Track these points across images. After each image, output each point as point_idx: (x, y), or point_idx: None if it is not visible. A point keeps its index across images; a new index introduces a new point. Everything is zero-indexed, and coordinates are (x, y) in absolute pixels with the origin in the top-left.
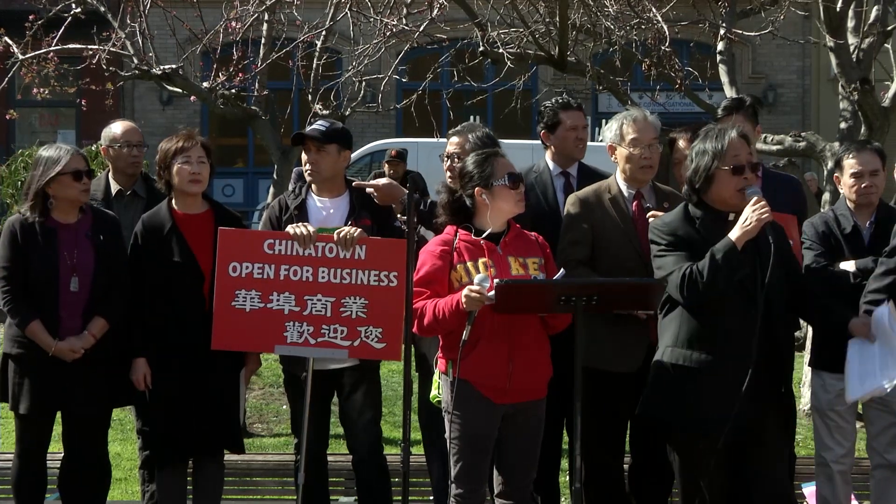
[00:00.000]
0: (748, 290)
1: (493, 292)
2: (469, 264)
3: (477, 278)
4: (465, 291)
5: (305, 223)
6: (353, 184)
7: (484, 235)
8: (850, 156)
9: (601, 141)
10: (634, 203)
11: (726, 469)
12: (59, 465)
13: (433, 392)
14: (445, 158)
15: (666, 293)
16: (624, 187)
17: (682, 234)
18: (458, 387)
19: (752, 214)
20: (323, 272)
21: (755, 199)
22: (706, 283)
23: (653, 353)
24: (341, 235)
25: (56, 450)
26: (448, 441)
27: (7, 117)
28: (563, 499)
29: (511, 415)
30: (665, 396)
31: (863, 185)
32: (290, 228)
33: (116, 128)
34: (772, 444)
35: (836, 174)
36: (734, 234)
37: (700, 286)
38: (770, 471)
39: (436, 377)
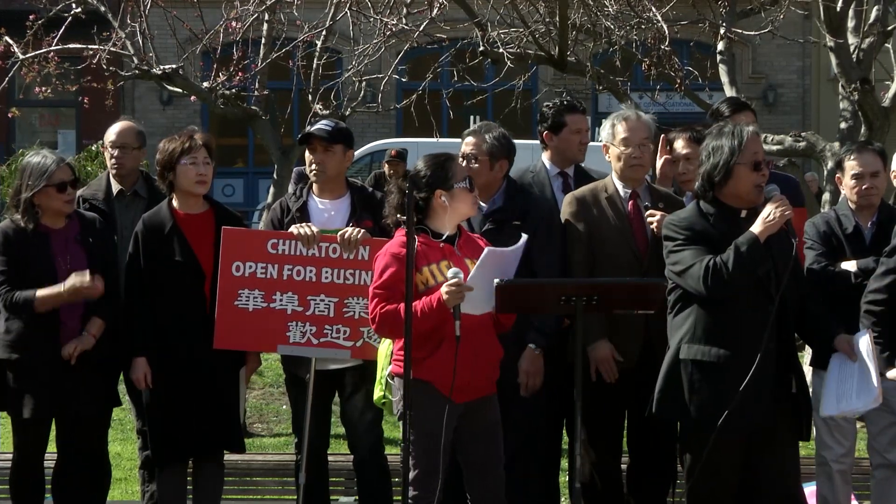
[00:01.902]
0: (765, 287)
1: (469, 282)
2: (433, 266)
3: (450, 272)
4: (444, 288)
5: (309, 224)
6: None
7: (443, 238)
8: (852, 157)
9: (600, 141)
10: (630, 203)
11: (738, 469)
12: (53, 469)
13: (377, 394)
14: (461, 159)
15: (679, 290)
16: (620, 187)
17: (698, 228)
18: (416, 387)
19: (775, 210)
20: (326, 272)
21: (776, 195)
22: (731, 274)
23: (647, 350)
24: (345, 237)
25: (53, 451)
26: (406, 442)
27: (10, 115)
28: (563, 499)
29: (465, 414)
30: (681, 394)
31: (864, 187)
32: (293, 228)
33: (112, 128)
34: (782, 444)
35: (837, 175)
36: (756, 229)
37: (725, 277)
38: (779, 472)
39: (380, 378)
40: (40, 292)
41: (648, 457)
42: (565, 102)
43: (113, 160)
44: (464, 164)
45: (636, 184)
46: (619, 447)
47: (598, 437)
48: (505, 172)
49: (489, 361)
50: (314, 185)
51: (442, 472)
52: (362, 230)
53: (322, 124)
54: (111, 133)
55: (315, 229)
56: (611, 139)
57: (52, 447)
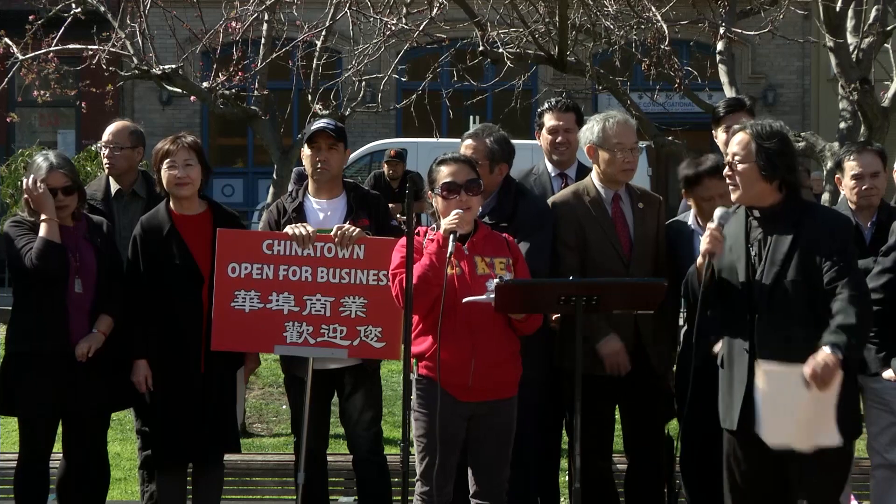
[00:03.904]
0: (744, 288)
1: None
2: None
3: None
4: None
5: (304, 223)
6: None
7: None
8: (851, 157)
9: None
10: (613, 205)
11: (763, 476)
12: (57, 467)
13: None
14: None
15: None
16: (602, 189)
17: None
18: (420, 384)
19: (702, 243)
20: (322, 272)
21: (710, 225)
22: (683, 287)
23: (637, 354)
24: (340, 232)
25: (56, 450)
26: (414, 439)
27: (8, 120)
28: (562, 499)
29: (478, 415)
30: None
31: (863, 188)
32: (288, 229)
33: (108, 128)
34: (793, 455)
35: (837, 175)
36: (698, 260)
37: (682, 290)
38: (791, 481)
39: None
40: (42, 227)
41: (644, 459)
42: (548, 103)
43: (105, 160)
44: None
45: (619, 186)
46: (609, 449)
47: (587, 439)
48: (504, 175)
49: (498, 361)
50: (310, 186)
51: (449, 471)
52: (358, 229)
53: (324, 122)
54: (105, 133)
55: (310, 229)
56: (601, 142)
57: (56, 446)
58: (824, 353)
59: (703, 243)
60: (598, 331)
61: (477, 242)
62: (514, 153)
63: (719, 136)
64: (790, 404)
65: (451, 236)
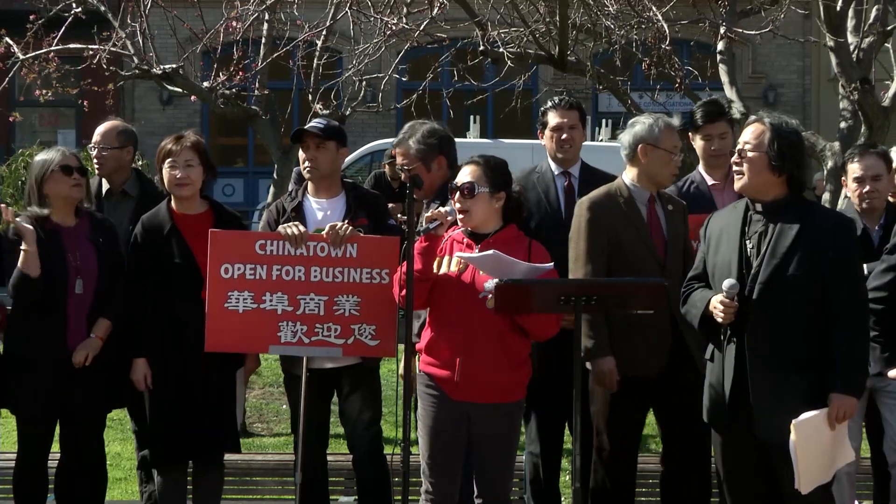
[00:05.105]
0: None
1: (449, 208)
2: (446, 259)
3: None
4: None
5: (297, 223)
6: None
7: (454, 232)
8: (854, 160)
9: (601, 140)
10: (648, 207)
11: (758, 474)
12: (56, 468)
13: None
14: (400, 171)
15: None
16: (636, 190)
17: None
18: (421, 379)
19: (717, 309)
20: (315, 271)
21: (724, 298)
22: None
23: (675, 357)
24: (332, 230)
25: (55, 450)
26: (406, 441)
27: (11, 119)
28: (563, 499)
29: (477, 416)
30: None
31: (864, 190)
32: (281, 228)
33: (98, 129)
34: (779, 456)
35: (843, 178)
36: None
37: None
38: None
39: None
40: (21, 257)
41: (684, 466)
42: (551, 101)
43: (94, 160)
44: (403, 176)
45: (658, 187)
46: (634, 454)
47: (614, 444)
48: (446, 167)
49: (493, 363)
50: (310, 185)
51: (452, 469)
52: (350, 227)
53: (315, 122)
54: (95, 133)
55: (302, 229)
56: (658, 142)
57: (54, 446)
58: (845, 399)
59: (719, 318)
60: (600, 349)
61: (491, 243)
62: (451, 142)
63: (697, 142)
64: (817, 448)
65: (425, 225)
